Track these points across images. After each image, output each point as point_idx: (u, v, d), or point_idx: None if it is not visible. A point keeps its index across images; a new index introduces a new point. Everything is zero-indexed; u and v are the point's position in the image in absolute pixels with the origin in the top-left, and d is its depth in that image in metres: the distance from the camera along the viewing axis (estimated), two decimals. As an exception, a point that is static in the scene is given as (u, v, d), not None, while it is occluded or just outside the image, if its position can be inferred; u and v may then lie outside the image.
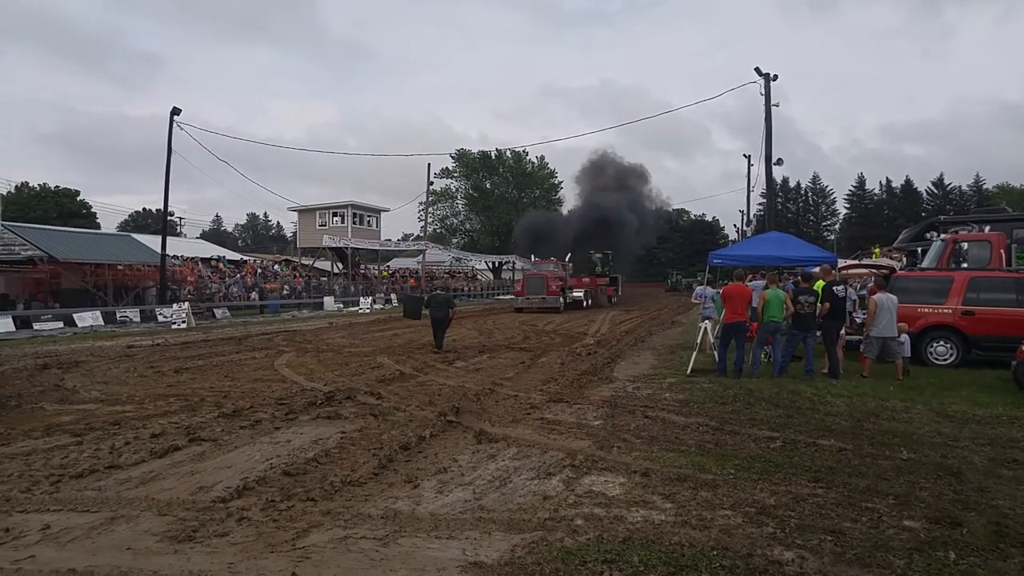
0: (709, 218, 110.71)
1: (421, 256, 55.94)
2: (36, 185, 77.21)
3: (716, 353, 12.22)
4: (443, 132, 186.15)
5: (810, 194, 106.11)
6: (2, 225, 33.35)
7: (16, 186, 73.11)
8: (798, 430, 7.52)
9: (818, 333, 11.70)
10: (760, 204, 74.67)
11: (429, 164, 52.24)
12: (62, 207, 73.31)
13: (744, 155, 52.78)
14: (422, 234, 61.45)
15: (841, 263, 17.72)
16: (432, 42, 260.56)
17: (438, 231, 77.25)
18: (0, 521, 4.88)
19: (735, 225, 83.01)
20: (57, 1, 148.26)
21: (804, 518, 4.83)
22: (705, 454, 6.56)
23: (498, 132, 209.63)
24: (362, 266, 55.79)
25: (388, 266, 62.42)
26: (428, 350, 16.11)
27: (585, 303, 36.90)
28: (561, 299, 34.14)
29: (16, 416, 8.97)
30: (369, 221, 53.73)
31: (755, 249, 14.64)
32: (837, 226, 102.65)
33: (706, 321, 13.70)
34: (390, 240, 58.41)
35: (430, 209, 69.18)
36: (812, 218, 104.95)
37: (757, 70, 27.14)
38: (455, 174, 77.54)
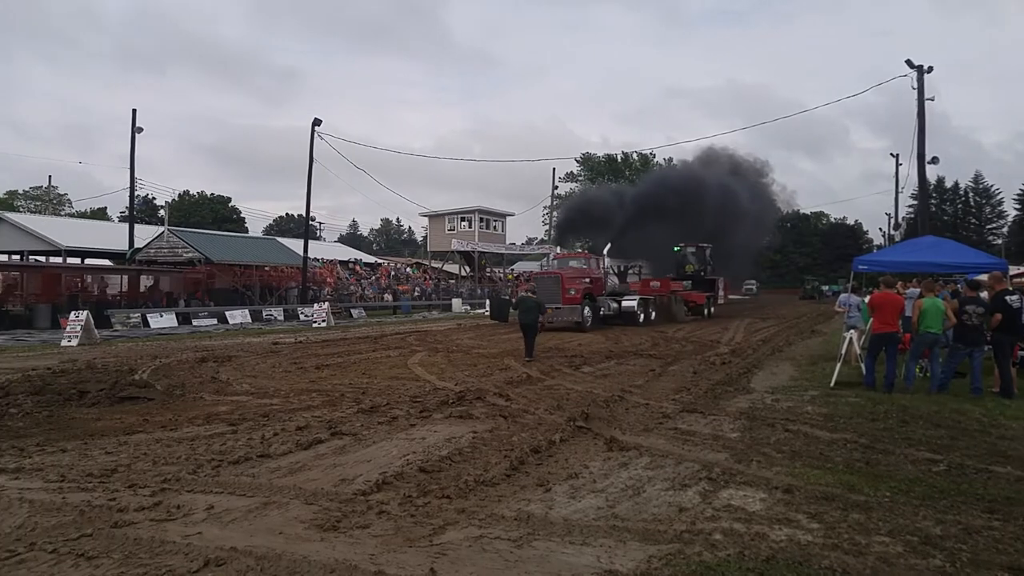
0: (851, 221, 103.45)
1: (545, 260, 56.31)
2: (195, 193, 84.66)
3: (863, 365, 11.40)
4: (566, 136, 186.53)
5: (971, 195, 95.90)
6: (168, 230, 36.74)
7: (179, 194, 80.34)
8: (966, 454, 6.84)
9: (987, 347, 10.63)
10: (910, 206, 69.34)
11: (554, 168, 52.83)
12: (216, 212, 79.96)
13: (891, 154, 49.11)
14: (546, 238, 61.82)
15: (1013, 270, 16.06)
16: (555, 47, 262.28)
17: (588, 242, 77.44)
18: (172, 498, 5.31)
19: (881, 229, 77.07)
20: (212, 27, 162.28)
21: (978, 552, 4.36)
22: (855, 473, 6.10)
23: (621, 135, 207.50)
24: (488, 269, 56.82)
25: (513, 269, 63.28)
26: (549, 354, 16.10)
27: (641, 317, 26.74)
28: (585, 310, 24.45)
29: (181, 404, 9.80)
30: (495, 225, 54.73)
31: (907, 254, 13.53)
32: (1005, 229, 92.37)
33: (851, 331, 12.83)
34: (514, 244, 59.21)
35: (555, 213, 69.48)
36: (974, 221, 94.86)
37: (908, 62, 25.37)
38: (580, 178, 77.50)
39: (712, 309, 34.24)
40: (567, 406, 9.35)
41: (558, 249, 34.51)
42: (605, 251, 28.61)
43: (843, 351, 12.37)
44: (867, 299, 12.22)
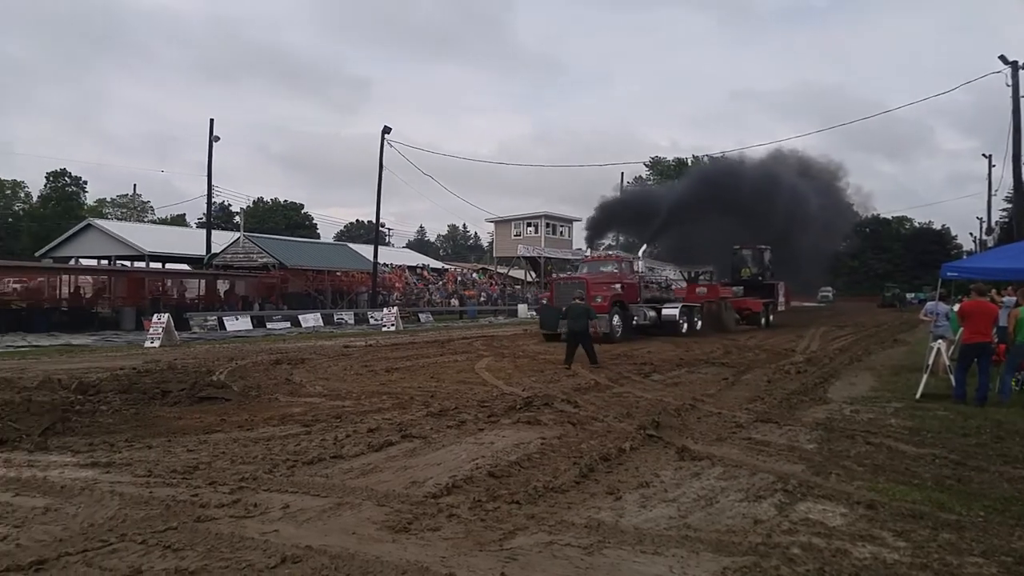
0: (936, 226, 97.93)
1: (611, 266, 55.74)
2: (268, 199, 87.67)
3: (952, 377, 10.83)
4: (633, 141, 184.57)
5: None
6: (244, 236, 38.16)
7: (253, 201, 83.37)
8: (1066, 472, 6.41)
9: None
10: (1004, 210, 65.43)
11: (622, 173, 52.63)
12: (289, 219, 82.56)
13: (983, 155, 46.64)
14: (613, 243, 61.29)
15: None
16: (622, 50, 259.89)
17: (631, 240, 76.67)
18: (250, 496, 5.48)
19: (971, 234, 72.75)
20: (284, 38, 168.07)
21: (1082, 576, 4.07)
22: (945, 490, 5.79)
23: (691, 138, 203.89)
24: (554, 275, 56.80)
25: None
26: (617, 361, 15.91)
27: (684, 326, 24.20)
28: (615, 319, 21.72)
29: (256, 405, 10.13)
30: (561, 231, 54.68)
31: (1001, 261, 12.77)
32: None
33: (939, 341, 12.20)
34: (581, 249, 58.85)
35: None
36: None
37: (1002, 58, 24.11)
38: (648, 182, 76.60)
39: (771, 318, 31.20)
40: (637, 414, 9.22)
41: (588, 252, 32.38)
42: (640, 252, 25.96)
43: (930, 362, 11.76)
44: (957, 307, 11.61)
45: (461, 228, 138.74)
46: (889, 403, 10.28)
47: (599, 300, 20.75)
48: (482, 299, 45.59)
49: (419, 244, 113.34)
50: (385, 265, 43.63)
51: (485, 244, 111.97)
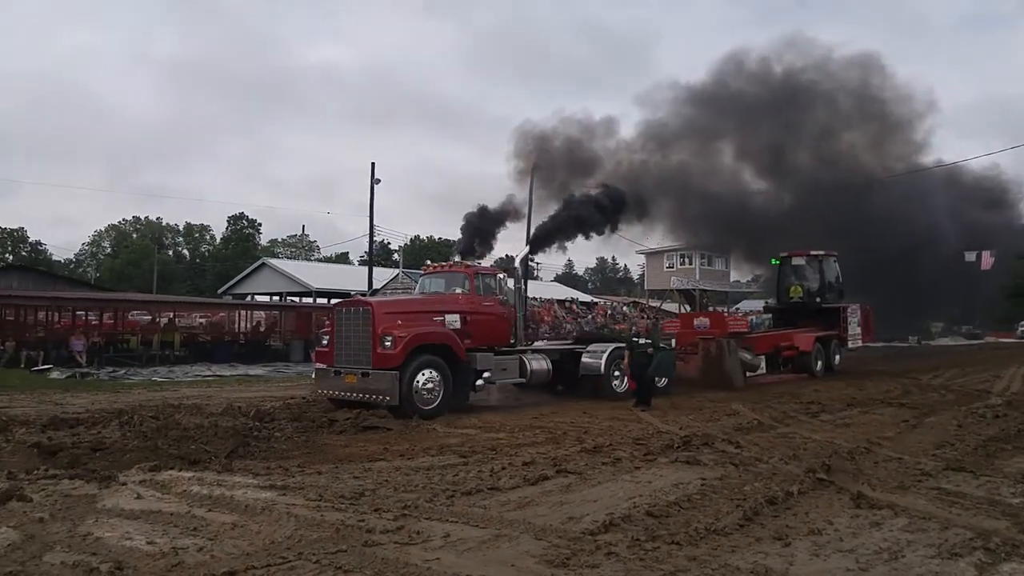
0: None
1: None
2: (424, 237, 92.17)
3: None
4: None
5: None
6: (403, 272, 40.27)
7: (410, 239, 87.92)
8: None
9: None
10: None
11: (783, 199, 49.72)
12: (444, 255, 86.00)
13: None
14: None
15: None
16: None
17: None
18: (413, 524, 5.66)
19: None
20: (434, 85, 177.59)
21: None
22: None
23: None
24: (710, 308, 54.89)
25: (738, 308, 60.50)
26: (781, 400, 14.98)
27: (619, 383, 15.35)
28: (421, 376, 12.12)
29: (416, 434, 10.54)
30: (718, 262, 52.90)
31: None
32: None
33: None
34: (739, 281, 56.62)
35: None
36: None
37: None
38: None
39: (837, 358, 22.12)
40: (804, 456, 8.61)
41: (428, 262, 17.10)
42: (518, 260, 16.63)
43: None
44: None
45: (610, 261, 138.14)
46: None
47: (387, 344, 11.93)
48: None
49: (568, 278, 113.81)
50: (534, 299, 44.27)
51: (635, 276, 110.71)
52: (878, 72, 29.40)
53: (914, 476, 7.57)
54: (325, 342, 13.69)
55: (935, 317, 44.79)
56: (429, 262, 16.02)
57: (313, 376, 14.09)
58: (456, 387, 12.76)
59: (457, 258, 15.64)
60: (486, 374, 13.32)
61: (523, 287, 15.72)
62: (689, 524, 5.66)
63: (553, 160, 21.94)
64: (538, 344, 17.27)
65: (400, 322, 12.55)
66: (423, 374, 12.21)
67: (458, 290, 14.04)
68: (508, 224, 18.25)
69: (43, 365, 22.73)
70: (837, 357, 22.12)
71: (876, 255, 25.94)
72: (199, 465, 8.00)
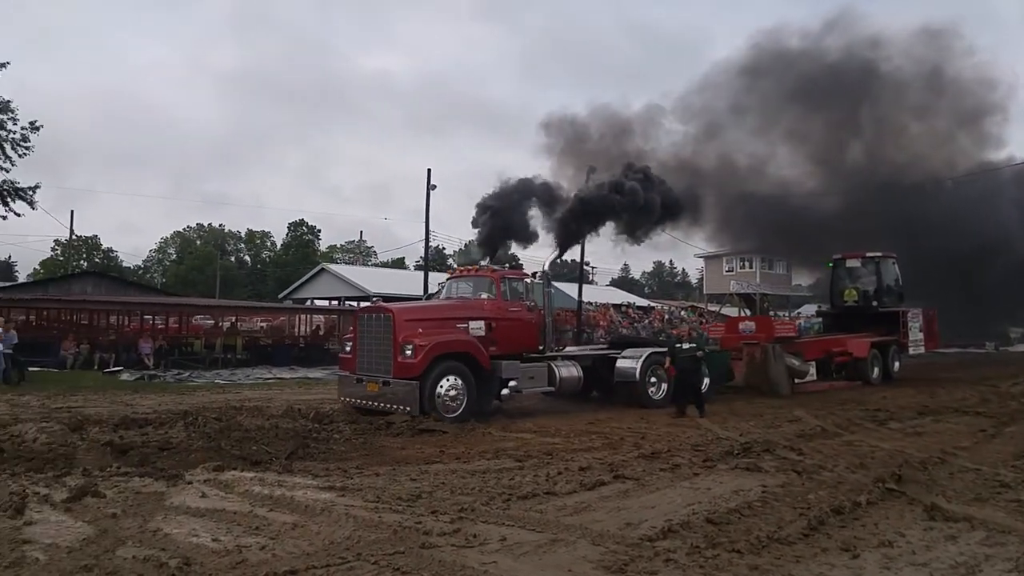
0: None
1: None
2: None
3: None
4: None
5: None
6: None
7: (464, 243, 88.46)
8: None
9: None
10: None
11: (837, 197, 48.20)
12: (497, 259, 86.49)
13: None
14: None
15: None
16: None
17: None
18: (469, 527, 5.67)
19: None
20: (486, 90, 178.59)
21: None
22: None
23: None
24: (771, 312, 53.60)
25: (799, 312, 58.90)
26: (846, 407, 14.47)
27: (659, 391, 14.66)
28: (443, 384, 11.86)
29: (471, 438, 10.56)
30: (779, 266, 51.66)
31: None
32: None
33: None
34: (800, 285, 55.07)
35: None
36: None
37: None
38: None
39: (897, 365, 21.02)
40: (872, 465, 8.29)
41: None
42: (546, 265, 15.90)
43: None
44: None
45: (667, 265, 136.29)
46: None
47: (408, 353, 11.70)
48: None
49: (624, 282, 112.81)
50: (589, 303, 43.95)
51: (693, 281, 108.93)
52: (951, 51, 26.68)
53: (992, 488, 7.21)
54: (348, 348, 13.51)
55: (1012, 322, 42.27)
56: (455, 265, 15.25)
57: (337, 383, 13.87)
58: (480, 395, 12.40)
59: (485, 262, 15.08)
60: (512, 383, 12.81)
61: (550, 291, 15.18)
62: (750, 532, 5.50)
63: (597, 154, 21.78)
64: (569, 350, 16.84)
65: (421, 330, 12.22)
66: (446, 380, 11.94)
67: (484, 295, 13.68)
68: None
69: (114, 367, 23.67)
70: (896, 364, 21.14)
71: (941, 256, 24.33)
72: (260, 466, 8.17)
